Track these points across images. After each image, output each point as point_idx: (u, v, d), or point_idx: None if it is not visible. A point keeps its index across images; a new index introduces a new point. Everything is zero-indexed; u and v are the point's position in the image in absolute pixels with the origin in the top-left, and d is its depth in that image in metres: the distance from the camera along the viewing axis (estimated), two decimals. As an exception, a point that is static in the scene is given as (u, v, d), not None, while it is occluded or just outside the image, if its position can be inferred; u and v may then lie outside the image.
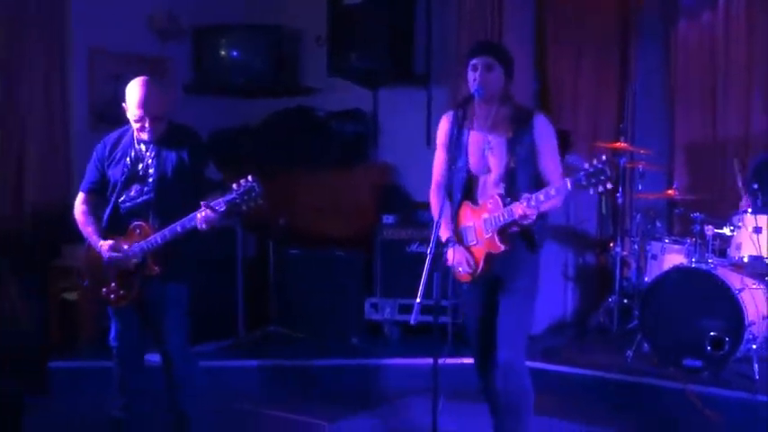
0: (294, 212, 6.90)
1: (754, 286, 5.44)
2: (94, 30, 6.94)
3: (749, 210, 5.53)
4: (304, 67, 7.83)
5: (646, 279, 6.05)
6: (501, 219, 3.69)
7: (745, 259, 5.51)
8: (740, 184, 5.82)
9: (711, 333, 5.29)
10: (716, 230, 5.63)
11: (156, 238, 4.05)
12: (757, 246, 5.42)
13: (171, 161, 4.15)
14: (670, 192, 6.37)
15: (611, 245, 6.74)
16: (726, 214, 5.81)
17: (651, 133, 7.11)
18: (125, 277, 4.17)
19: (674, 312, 5.48)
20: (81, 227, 4.30)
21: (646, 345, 5.64)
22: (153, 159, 4.16)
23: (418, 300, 3.43)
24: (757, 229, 5.44)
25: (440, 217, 3.67)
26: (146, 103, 4.09)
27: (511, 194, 3.74)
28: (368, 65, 7.07)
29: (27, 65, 6.46)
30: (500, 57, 3.85)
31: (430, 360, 3.59)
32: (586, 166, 3.43)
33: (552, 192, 3.55)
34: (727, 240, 5.67)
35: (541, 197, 3.56)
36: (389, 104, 7.55)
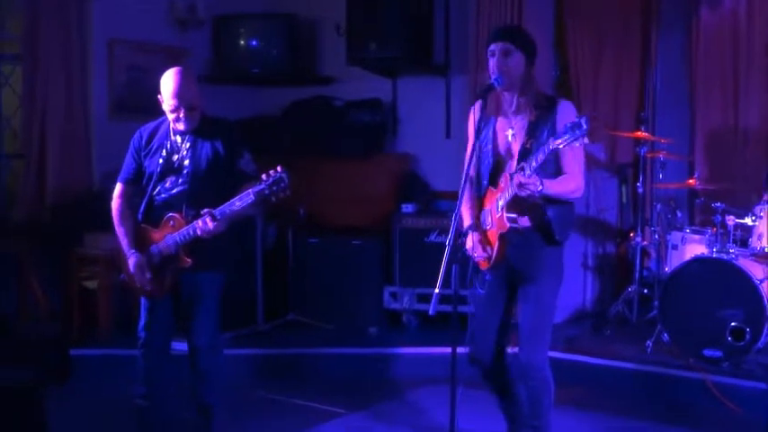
0: (313, 202, 6.91)
1: (776, 276, 5.41)
2: (114, 20, 6.97)
3: (771, 199, 5.50)
4: (323, 57, 7.85)
5: (666, 269, 6.01)
6: (507, 194, 3.66)
7: (767, 249, 5.47)
8: (763, 175, 5.76)
9: (732, 323, 5.27)
10: (737, 220, 5.59)
11: (189, 230, 4.06)
12: (779, 236, 5.39)
13: (206, 153, 4.15)
14: (691, 181, 6.32)
15: (632, 235, 6.71)
16: (747, 204, 5.77)
17: (672, 122, 7.06)
18: (159, 269, 4.19)
19: (695, 302, 5.46)
20: (115, 225, 4.32)
21: (665, 335, 5.62)
22: (188, 151, 4.16)
23: (437, 290, 3.42)
24: (779, 219, 5.40)
25: (459, 206, 3.64)
26: (180, 93, 4.08)
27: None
28: (387, 54, 7.05)
29: (48, 55, 6.50)
30: (518, 41, 3.77)
31: (448, 349, 3.58)
32: (566, 123, 3.39)
33: (540, 155, 3.49)
34: (748, 230, 5.62)
35: (533, 163, 3.51)
36: (408, 94, 7.55)
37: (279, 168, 3.86)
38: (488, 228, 3.83)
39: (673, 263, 5.92)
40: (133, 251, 4.22)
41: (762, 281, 5.27)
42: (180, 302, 4.27)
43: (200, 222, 3.99)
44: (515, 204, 3.68)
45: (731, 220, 5.59)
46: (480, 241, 3.84)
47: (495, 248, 3.78)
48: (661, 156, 6.34)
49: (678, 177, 6.60)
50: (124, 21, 7.03)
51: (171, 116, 4.15)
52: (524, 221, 3.76)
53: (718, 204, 5.68)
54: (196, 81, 4.21)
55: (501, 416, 4.23)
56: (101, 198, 6.58)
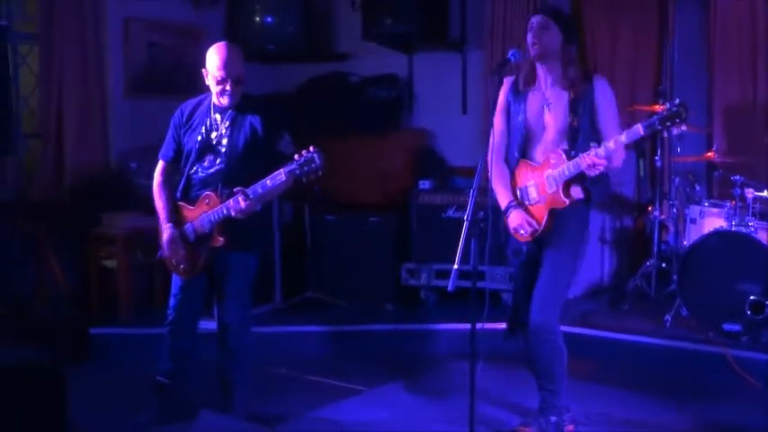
0: (329, 179, 6.86)
1: (796, 249, 5.36)
2: (129, -2, 6.97)
3: (791, 172, 5.45)
4: (338, 33, 7.80)
5: (684, 243, 5.98)
6: (566, 172, 3.74)
7: (787, 222, 5.44)
8: None
9: (751, 297, 5.24)
10: (756, 193, 5.56)
11: (223, 209, 4.06)
12: (799, 209, 5.35)
13: (244, 133, 4.15)
14: (709, 154, 6.27)
15: (650, 208, 6.67)
16: (766, 177, 5.73)
17: (690, 96, 6.96)
18: (192, 248, 4.21)
19: (713, 276, 5.44)
20: (155, 199, 4.34)
21: (684, 309, 5.61)
22: (227, 129, 4.17)
23: (456, 266, 3.42)
24: (799, 192, 5.36)
25: (477, 183, 3.63)
26: (228, 65, 4.08)
27: (573, 150, 3.77)
28: (403, 29, 7.01)
29: (63, 34, 6.49)
30: (557, 17, 3.86)
31: (467, 325, 3.59)
32: (660, 110, 3.45)
33: (623, 138, 3.57)
34: (767, 203, 5.58)
35: (611, 145, 3.59)
36: (424, 69, 7.51)
37: (312, 148, 3.86)
38: (534, 203, 3.88)
39: (691, 236, 5.89)
40: (169, 225, 4.24)
41: (781, 254, 5.23)
42: (212, 282, 4.30)
43: (232, 201, 4.00)
44: (572, 181, 3.74)
45: (750, 193, 5.56)
46: (525, 218, 3.89)
47: (544, 223, 3.85)
48: (679, 129, 6.27)
49: (696, 150, 6.55)
50: (139, -1, 7.02)
51: (216, 89, 4.14)
52: (578, 194, 3.81)
53: (737, 177, 5.65)
54: (242, 56, 4.20)
55: (520, 390, 4.24)
56: (118, 177, 6.64)
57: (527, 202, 3.91)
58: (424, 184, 6.77)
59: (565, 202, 3.78)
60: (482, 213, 3.81)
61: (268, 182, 3.93)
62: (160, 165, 4.39)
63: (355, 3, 7.33)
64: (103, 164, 6.74)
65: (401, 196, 6.83)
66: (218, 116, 4.21)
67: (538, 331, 3.89)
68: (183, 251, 4.22)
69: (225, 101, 4.16)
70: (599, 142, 3.74)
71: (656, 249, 6.45)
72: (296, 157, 3.87)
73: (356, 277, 6.60)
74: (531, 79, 3.93)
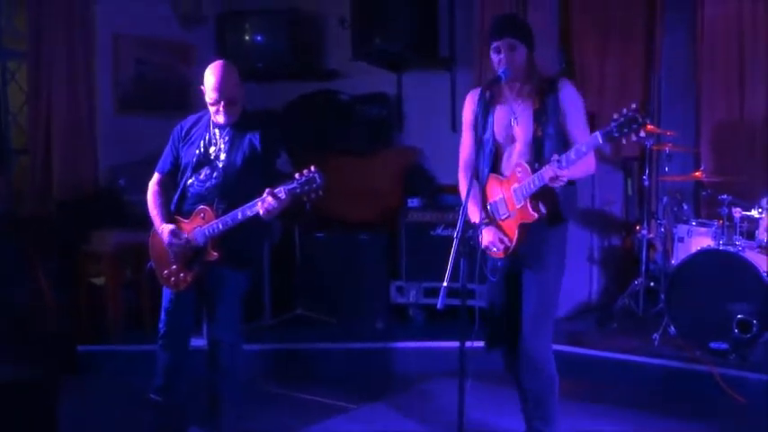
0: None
1: (783, 269, 5.41)
2: (119, 15, 7.00)
3: (778, 192, 5.51)
4: (328, 51, 7.84)
5: (672, 262, 6.02)
6: (531, 185, 3.66)
7: (774, 242, 5.48)
8: None
9: (739, 316, 5.28)
10: (744, 212, 5.61)
11: (218, 223, 4.06)
12: (786, 228, 5.39)
13: (243, 148, 4.17)
14: (697, 174, 6.31)
15: (638, 227, 6.71)
16: (754, 196, 5.78)
17: (678, 115, 7.06)
18: (186, 261, 4.19)
19: (701, 295, 5.47)
20: (149, 208, 4.33)
21: (672, 328, 5.64)
22: (225, 144, 4.19)
23: (445, 283, 3.43)
24: (786, 212, 5.41)
25: (467, 200, 3.66)
26: (221, 87, 4.10)
27: (538, 162, 3.71)
28: (392, 48, 7.06)
29: (52, 51, 6.52)
30: (521, 34, 3.82)
31: (455, 343, 3.58)
32: (616, 116, 3.38)
33: (583, 148, 3.50)
34: (755, 222, 5.63)
35: (572, 155, 3.51)
36: (414, 88, 7.55)
37: (312, 168, 3.87)
38: (504, 218, 3.83)
39: (679, 255, 5.92)
40: (166, 225, 4.22)
41: (768, 273, 5.28)
42: (203, 297, 4.27)
43: (259, 201, 3.93)
44: (539, 194, 3.70)
45: (737, 213, 5.61)
46: (497, 234, 3.85)
47: (516, 238, 3.79)
48: (667, 148, 6.34)
49: (684, 170, 6.60)
50: (129, 16, 7.05)
51: (212, 109, 4.17)
52: (545, 208, 3.78)
53: (725, 197, 5.69)
54: (238, 76, 4.21)
55: (509, 409, 4.24)
56: (106, 193, 6.65)
57: (498, 218, 3.87)
58: (413, 202, 6.79)
59: (533, 215, 3.71)
60: (471, 231, 3.84)
61: (270, 199, 3.91)
62: (155, 177, 4.38)
63: (345, 21, 7.37)
64: (92, 180, 6.75)
65: (390, 214, 6.86)
66: (217, 131, 4.23)
67: (531, 360, 3.84)
68: (174, 265, 4.21)
69: (220, 119, 4.18)
70: (568, 149, 3.74)
71: (643, 268, 6.48)
72: (296, 176, 3.87)
73: (345, 295, 6.62)
74: (498, 94, 3.93)
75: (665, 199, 6.35)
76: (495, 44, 3.81)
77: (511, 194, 3.77)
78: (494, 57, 3.82)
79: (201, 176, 4.20)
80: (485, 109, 3.90)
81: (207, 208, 4.13)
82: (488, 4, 6.96)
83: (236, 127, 4.21)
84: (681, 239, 6.05)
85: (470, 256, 3.66)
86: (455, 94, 7.29)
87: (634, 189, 7.08)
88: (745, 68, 6.62)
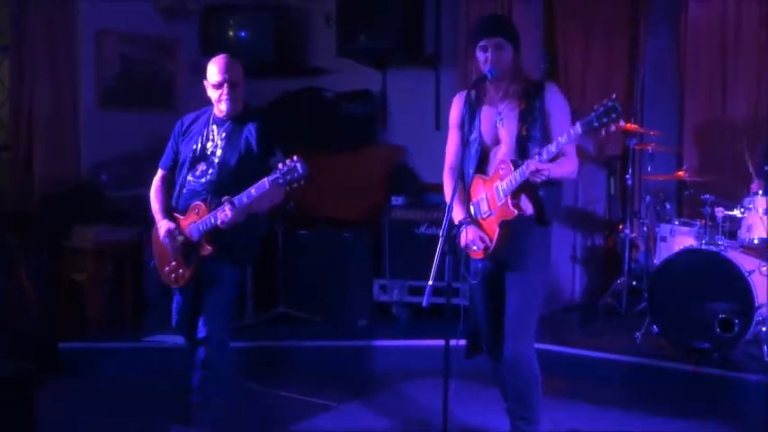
0: (302, 194, 6.86)
1: (765, 268, 5.41)
2: (102, 10, 6.94)
3: (760, 192, 5.51)
4: (312, 48, 7.81)
5: (655, 261, 6.03)
6: (513, 182, 3.65)
7: (756, 241, 5.49)
8: (750, 168, 5.78)
9: (721, 315, 5.29)
10: (726, 212, 5.61)
11: (210, 218, 4.11)
12: (768, 228, 5.41)
13: (239, 146, 4.21)
14: (680, 173, 6.34)
15: (621, 227, 6.72)
16: (736, 196, 5.78)
17: (661, 115, 7.07)
18: (183, 257, 4.25)
19: (684, 294, 5.47)
20: (151, 204, 4.40)
21: (654, 327, 5.63)
22: (222, 141, 4.24)
23: (430, 282, 3.42)
24: (768, 212, 5.42)
25: (452, 199, 3.65)
26: (227, 68, 4.21)
27: (523, 159, 3.70)
28: (377, 45, 7.04)
29: (35, 47, 6.47)
30: (508, 34, 3.83)
31: (439, 342, 3.59)
32: (596, 107, 3.38)
33: (562, 139, 3.51)
34: (737, 222, 5.64)
35: (552, 148, 3.52)
36: (398, 86, 7.53)
37: (294, 158, 3.91)
38: (485, 216, 3.82)
39: (662, 255, 5.93)
40: (166, 220, 4.28)
41: (750, 272, 5.28)
42: (199, 290, 4.29)
43: (218, 211, 4.03)
44: (519, 190, 3.68)
45: (720, 212, 5.61)
46: (477, 233, 3.83)
47: (496, 237, 3.76)
48: (650, 148, 6.35)
49: (667, 169, 6.62)
50: (112, 11, 7.00)
51: (215, 95, 4.23)
52: (528, 207, 3.77)
53: (707, 196, 5.69)
54: (241, 67, 4.31)
55: (493, 408, 4.23)
56: (89, 189, 6.60)
57: (479, 217, 3.86)
58: (398, 200, 6.78)
59: (513, 212, 3.68)
60: (456, 230, 3.82)
61: (252, 191, 3.96)
62: (159, 173, 4.45)
63: (330, 18, 7.34)
64: (74, 176, 6.70)
65: (374, 212, 6.83)
66: (215, 127, 4.28)
67: (514, 362, 3.82)
68: (174, 261, 4.26)
69: (223, 107, 4.23)
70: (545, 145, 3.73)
71: (626, 267, 6.50)
72: (279, 166, 3.91)
73: (328, 293, 6.59)
74: (483, 94, 3.91)
75: (647, 198, 6.36)
76: (482, 43, 3.81)
77: (493, 192, 3.76)
78: (480, 55, 3.82)
79: (197, 172, 4.25)
80: (471, 110, 3.90)
81: (201, 204, 4.17)
82: (474, 4, 6.96)
83: (235, 123, 4.26)
84: (663, 239, 6.06)
85: (455, 255, 3.65)
86: (440, 93, 7.28)
87: (617, 188, 7.09)
88: (727, 69, 6.64)
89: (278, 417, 4.84)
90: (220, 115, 4.28)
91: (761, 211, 5.44)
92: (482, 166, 3.91)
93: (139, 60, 7.34)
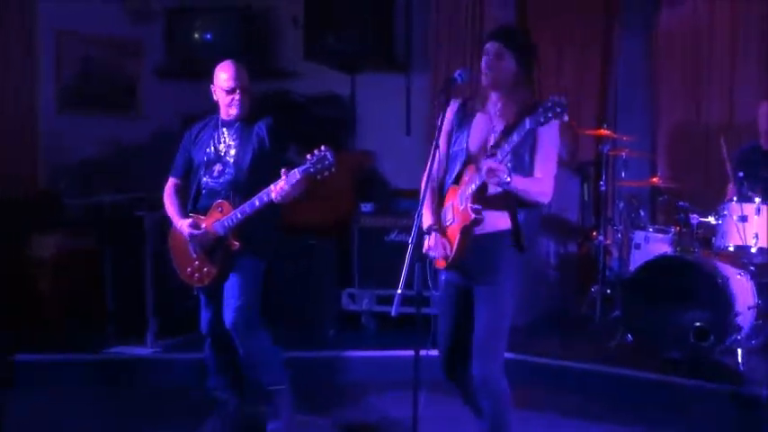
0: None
1: (740, 276, 5.41)
2: (63, 10, 6.85)
3: (735, 198, 5.51)
4: (280, 50, 7.75)
5: (629, 268, 6.01)
6: (473, 185, 3.58)
7: (731, 248, 5.48)
8: (729, 169, 5.78)
9: (696, 324, 5.26)
10: (701, 219, 5.61)
11: (237, 213, 4.26)
12: (743, 235, 5.39)
13: (251, 143, 4.41)
14: (654, 179, 6.34)
15: (594, 234, 6.71)
16: (711, 203, 5.78)
17: (634, 120, 7.09)
18: (208, 254, 4.41)
19: (658, 303, 5.44)
20: (166, 210, 4.57)
21: (629, 336, 5.61)
22: (235, 141, 4.44)
23: (399, 290, 3.36)
24: (743, 218, 5.40)
25: (421, 205, 3.58)
26: (238, 75, 4.43)
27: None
28: (346, 48, 7.00)
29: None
30: (512, 44, 3.71)
31: (409, 352, 3.53)
32: (543, 102, 3.35)
33: (514, 137, 3.43)
34: (712, 229, 5.63)
35: (507, 147, 3.46)
36: (368, 90, 7.50)
37: (323, 147, 4.10)
38: (449, 224, 3.75)
39: (636, 262, 5.92)
40: (185, 220, 4.42)
41: (726, 280, 5.26)
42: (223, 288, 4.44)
43: (273, 185, 4.12)
44: (481, 196, 3.61)
45: (695, 219, 5.61)
46: (440, 240, 3.76)
47: (456, 244, 3.67)
48: (623, 154, 6.35)
49: (641, 175, 6.63)
50: (73, 12, 6.92)
51: (225, 100, 4.44)
52: (492, 225, 3.68)
53: (682, 203, 5.69)
54: (247, 72, 4.52)
55: (463, 421, 4.17)
56: (48, 196, 6.49)
57: (444, 224, 3.81)
58: (367, 207, 6.72)
59: (470, 216, 3.57)
60: (425, 237, 3.76)
61: (284, 184, 4.10)
62: (170, 182, 4.63)
63: (297, 20, 7.29)
64: (31, 182, 6.60)
65: (343, 219, 6.77)
66: (225, 130, 4.49)
67: (483, 383, 3.73)
68: (197, 261, 4.42)
69: (233, 111, 4.43)
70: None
71: (600, 275, 6.48)
72: (308, 156, 4.08)
73: (295, 302, 6.51)
74: (482, 103, 3.84)
75: (621, 205, 6.36)
76: (486, 46, 3.75)
77: (456, 199, 3.70)
78: (483, 60, 3.76)
79: (215, 173, 4.44)
80: (460, 122, 3.83)
81: (224, 202, 4.35)
82: (444, 8, 6.95)
83: (244, 124, 4.45)
84: (637, 246, 6.05)
85: (425, 263, 3.59)
86: (410, 98, 7.25)
87: (590, 194, 7.08)
88: (701, 74, 6.68)
89: (243, 429, 4.74)
90: (229, 118, 4.47)
91: (735, 217, 5.43)
92: (462, 177, 3.84)
93: (102, 62, 7.26)
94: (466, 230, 3.64)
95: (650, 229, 6.04)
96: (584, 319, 6.45)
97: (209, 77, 7.59)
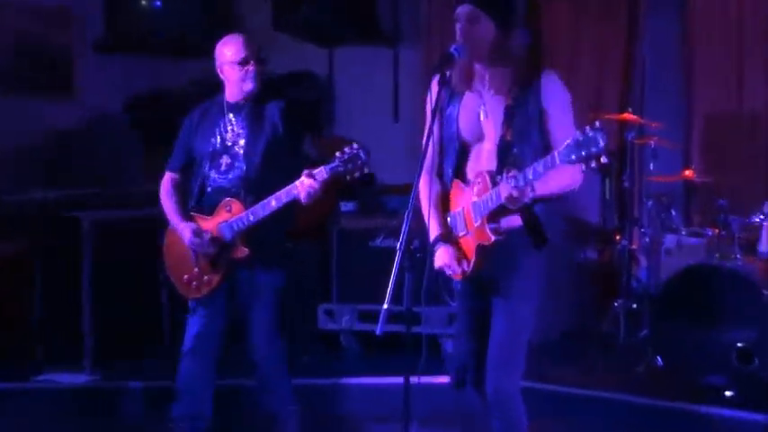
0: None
1: (789, 287, 5.44)
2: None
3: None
4: (244, 20, 7.74)
5: (659, 279, 6.03)
6: (489, 202, 3.59)
7: (779, 255, 5.52)
8: None
9: (739, 344, 5.28)
10: (743, 220, 5.63)
11: (248, 215, 4.31)
12: (793, 239, 5.43)
13: (264, 132, 4.45)
14: (688, 173, 6.35)
15: (617, 237, 6.73)
16: (754, 201, 5.81)
17: (664, 103, 7.10)
18: (210, 261, 4.44)
19: (694, 319, 5.47)
20: (164, 208, 4.61)
21: (659, 359, 5.63)
22: (244, 129, 4.47)
23: (385, 305, 3.36)
24: (793, 220, 5.45)
25: (410, 203, 3.56)
26: (248, 44, 4.49)
27: (502, 173, 3.62)
28: (321, 18, 7.01)
29: None
30: (488, 5, 3.71)
31: (398, 379, 3.52)
32: (577, 134, 3.30)
33: (540, 168, 3.43)
34: (756, 232, 5.66)
35: (530, 174, 3.45)
36: (348, 67, 7.52)
37: (355, 145, 4.18)
38: (462, 234, 3.77)
39: (667, 271, 5.94)
40: (186, 223, 4.47)
41: (773, 292, 5.30)
42: (236, 301, 4.53)
43: (300, 184, 4.20)
44: (499, 212, 3.62)
45: (736, 220, 5.62)
46: (454, 254, 3.78)
47: (473, 262, 3.71)
48: (652, 143, 6.36)
49: (672, 169, 6.63)
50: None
51: (238, 74, 4.46)
52: (508, 222, 3.70)
53: (721, 201, 5.70)
54: None
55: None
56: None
57: (456, 234, 3.81)
58: (348, 206, 6.73)
59: (490, 239, 3.61)
60: (418, 242, 3.75)
61: (311, 181, 4.18)
62: (167, 176, 4.66)
63: (265, -15, 7.30)
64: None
65: (319, 220, 6.76)
66: (231, 115, 4.51)
67: (497, 401, 3.78)
68: (196, 267, 4.45)
69: (248, 87, 4.46)
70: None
71: (625, 287, 6.49)
72: (338, 154, 4.16)
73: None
74: (467, 78, 3.84)
75: (649, 203, 6.36)
76: (456, 11, 3.74)
77: (470, 209, 3.71)
78: (456, 28, 3.76)
79: (222, 167, 4.46)
80: (450, 96, 3.83)
81: (234, 200, 4.39)
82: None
83: (254, 107, 4.50)
84: (669, 252, 6.08)
85: (417, 272, 3.58)
86: (398, 76, 7.26)
87: (612, 191, 7.08)
88: (743, 49, 6.69)
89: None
90: (234, 100, 4.51)
91: (785, 218, 5.46)
92: (461, 167, 3.84)
93: (30, 36, 7.24)
94: (484, 250, 3.69)
95: (683, 232, 6.06)
96: (606, 339, 6.46)
97: (158, 53, 7.63)
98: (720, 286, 5.42)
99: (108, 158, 5.93)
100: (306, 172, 4.17)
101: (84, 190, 6.35)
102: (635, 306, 6.48)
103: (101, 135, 7.28)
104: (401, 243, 3.43)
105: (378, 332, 3.38)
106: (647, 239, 6.41)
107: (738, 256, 5.57)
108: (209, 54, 7.56)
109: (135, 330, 6.21)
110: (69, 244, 5.85)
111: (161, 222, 6.32)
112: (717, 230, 5.73)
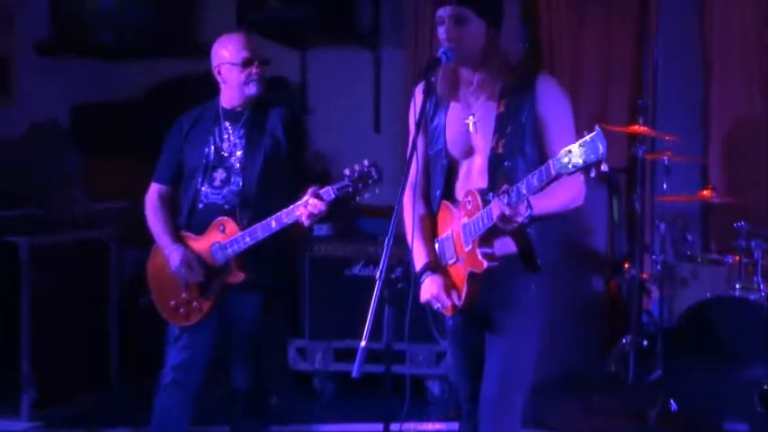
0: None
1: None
2: None
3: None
4: (205, 19, 7.79)
5: (673, 312, 6.05)
6: (480, 223, 3.59)
7: (808, 285, 5.55)
8: None
9: (764, 386, 5.30)
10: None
11: (244, 236, 4.34)
12: (823, 268, 5.47)
13: (263, 142, 4.50)
14: (705, 193, 6.37)
15: (626, 266, 6.74)
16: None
17: (680, 114, 7.14)
18: (200, 287, 4.47)
19: (712, 358, 5.50)
20: (150, 225, 4.64)
21: (673, 402, 5.65)
22: (242, 139, 4.51)
23: (363, 343, 3.36)
24: (823, 247, 5.49)
25: (392, 226, 3.58)
26: (249, 44, 4.52)
27: (496, 189, 3.62)
28: (293, 16, 7.02)
29: None
30: (476, 4, 3.72)
31: (377, 426, 3.54)
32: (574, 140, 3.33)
33: (534, 181, 3.45)
34: (782, 260, 5.70)
35: (523, 188, 3.46)
36: (323, 71, 7.54)
37: (366, 162, 4.20)
38: (452, 262, 3.78)
39: (682, 303, 5.97)
40: (177, 245, 4.49)
41: (801, 328, 5.34)
42: (228, 329, 4.59)
43: (304, 205, 4.21)
44: (492, 235, 3.64)
45: (759, 246, 5.65)
46: (442, 285, 3.79)
47: (464, 293, 3.71)
48: (665, 158, 6.38)
49: (688, 188, 6.66)
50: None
51: (240, 77, 4.49)
52: (503, 247, 3.71)
53: (742, 224, 5.73)
54: None
55: None
56: None
57: (445, 263, 3.84)
58: (321, 230, 6.73)
59: (482, 265, 3.60)
60: (400, 270, 3.76)
61: (315, 201, 4.19)
62: (154, 188, 4.69)
63: (227, -21, 7.32)
64: None
65: (289, 246, 6.76)
66: (228, 124, 4.56)
67: None
68: (184, 292, 4.48)
69: (252, 90, 4.48)
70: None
71: (634, 321, 6.51)
72: (347, 172, 4.19)
73: (226, 360, 6.50)
74: (452, 86, 3.86)
75: (662, 227, 6.39)
76: (439, 12, 3.76)
77: (459, 231, 3.72)
78: (439, 31, 3.77)
79: (216, 182, 4.51)
80: (435, 107, 3.85)
81: (228, 219, 4.42)
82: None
83: (254, 114, 4.55)
84: (684, 282, 6.11)
85: (399, 305, 3.59)
86: (379, 82, 7.28)
87: (621, 213, 7.12)
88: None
89: None
90: (231, 106, 4.55)
91: (815, 245, 5.51)
92: (451, 187, 3.86)
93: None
94: (476, 278, 3.69)
95: (700, 260, 6.08)
96: (613, 381, 6.48)
97: (107, 56, 7.65)
98: (741, 320, 5.47)
99: (49, 173, 5.90)
100: (312, 190, 4.20)
101: (21, 210, 6.32)
102: (645, 343, 6.50)
103: (41, 146, 7.27)
104: (381, 272, 3.44)
105: (354, 374, 3.39)
106: (660, 268, 6.43)
107: (762, 286, 5.61)
108: (163, 55, 7.65)
109: (79, 369, 6.20)
110: (4, 272, 5.84)
111: (107, 246, 6.37)
112: (738, 257, 5.76)
